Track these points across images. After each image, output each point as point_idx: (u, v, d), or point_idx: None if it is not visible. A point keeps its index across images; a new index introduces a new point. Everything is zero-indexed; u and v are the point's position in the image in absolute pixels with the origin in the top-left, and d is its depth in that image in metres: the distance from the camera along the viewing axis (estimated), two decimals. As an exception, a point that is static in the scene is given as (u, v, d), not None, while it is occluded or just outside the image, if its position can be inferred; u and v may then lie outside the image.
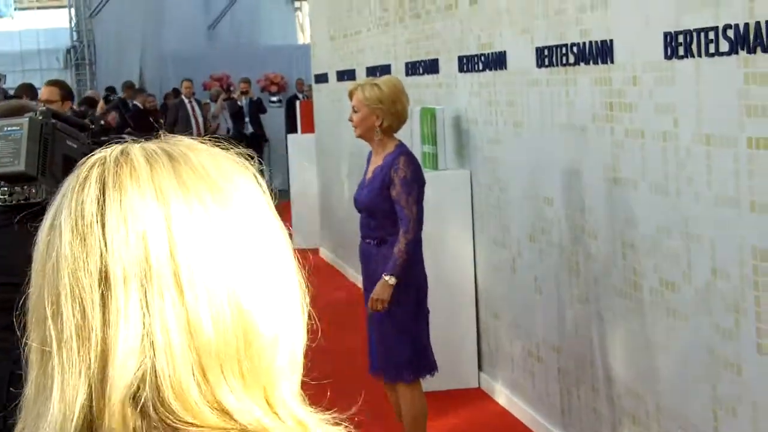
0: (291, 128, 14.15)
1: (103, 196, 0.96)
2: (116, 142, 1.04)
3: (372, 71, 8.28)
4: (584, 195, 4.76)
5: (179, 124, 15.59)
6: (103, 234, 0.94)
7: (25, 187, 2.78)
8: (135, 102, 16.01)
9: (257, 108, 16.67)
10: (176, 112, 15.76)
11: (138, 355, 0.93)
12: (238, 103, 16.51)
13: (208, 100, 17.13)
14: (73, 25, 18.36)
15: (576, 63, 4.70)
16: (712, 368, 3.80)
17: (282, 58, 20.09)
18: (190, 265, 0.94)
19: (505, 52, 5.56)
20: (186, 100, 15.81)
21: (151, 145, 1.01)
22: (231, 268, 0.96)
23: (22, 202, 2.78)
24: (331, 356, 7.21)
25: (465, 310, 6.27)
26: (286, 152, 12.02)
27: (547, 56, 5.01)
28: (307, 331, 1.03)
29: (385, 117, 4.87)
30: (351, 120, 4.99)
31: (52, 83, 6.73)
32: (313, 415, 1.00)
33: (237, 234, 0.98)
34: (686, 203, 3.92)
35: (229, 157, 1.02)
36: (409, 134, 6.34)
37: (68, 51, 18.23)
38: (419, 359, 4.88)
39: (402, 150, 4.90)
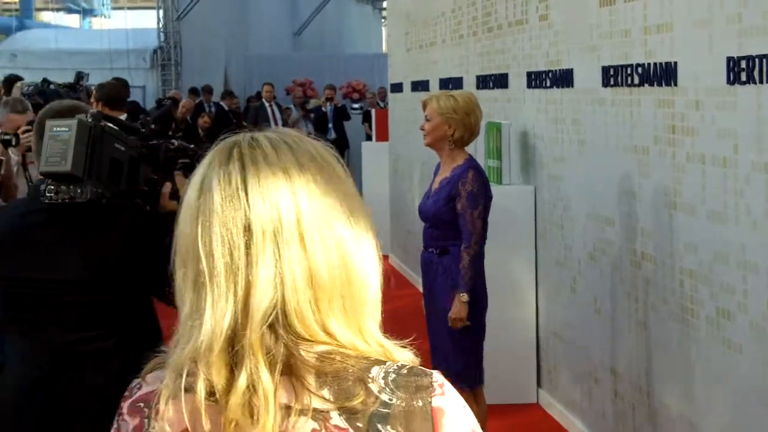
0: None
1: (244, 170, 1.28)
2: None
3: (445, 83, 8.27)
4: (644, 218, 4.69)
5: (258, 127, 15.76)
6: (247, 199, 1.27)
7: (71, 186, 2.78)
8: (221, 103, 16.26)
9: (341, 115, 16.76)
10: (256, 115, 15.93)
11: (272, 290, 1.26)
12: (323, 109, 16.62)
13: (291, 105, 17.28)
14: (160, 26, 18.69)
15: (640, 84, 4.63)
16: (767, 401, 3.71)
17: (365, 66, 20.18)
18: (311, 226, 1.28)
19: (572, 69, 5.51)
20: (267, 104, 15.98)
21: (271, 134, 1.34)
22: (337, 228, 1.30)
23: (66, 200, 2.78)
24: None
25: (525, 325, 6.23)
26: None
27: (612, 76, 4.94)
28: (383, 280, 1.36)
29: (457, 127, 4.87)
30: (422, 129, 4.98)
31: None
32: (390, 341, 1.35)
33: (338, 202, 1.31)
34: (744, 231, 3.83)
35: (322, 145, 1.37)
36: (474, 148, 6.32)
37: (155, 51, 18.56)
38: (471, 370, 4.87)
39: (471, 164, 4.89)
